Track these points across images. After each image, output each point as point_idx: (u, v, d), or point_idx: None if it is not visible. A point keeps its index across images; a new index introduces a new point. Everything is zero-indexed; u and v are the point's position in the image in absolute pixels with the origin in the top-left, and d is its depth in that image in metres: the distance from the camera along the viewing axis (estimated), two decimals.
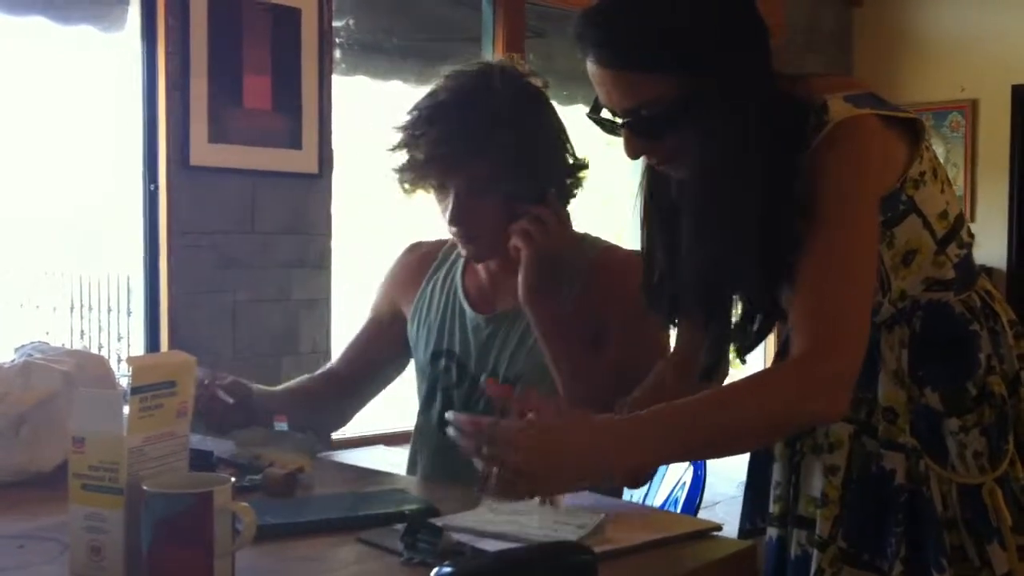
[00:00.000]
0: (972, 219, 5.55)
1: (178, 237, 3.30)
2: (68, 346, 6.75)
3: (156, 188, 3.29)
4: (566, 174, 1.58)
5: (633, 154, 1.24)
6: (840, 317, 1.15)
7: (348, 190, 3.79)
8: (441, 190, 1.54)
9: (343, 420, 1.83)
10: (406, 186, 1.56)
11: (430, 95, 1.54)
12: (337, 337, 3.64)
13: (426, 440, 1.69)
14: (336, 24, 3.67)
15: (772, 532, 1.35)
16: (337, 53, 3.67)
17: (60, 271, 9.13)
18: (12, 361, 1.47)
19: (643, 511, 1.50)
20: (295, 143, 3.46)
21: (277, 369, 3.48)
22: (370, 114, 4.26)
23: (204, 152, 3.29)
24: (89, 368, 1.40)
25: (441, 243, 1.78)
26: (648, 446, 1.13)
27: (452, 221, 1.53)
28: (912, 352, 1.25)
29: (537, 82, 1.59)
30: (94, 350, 6.46)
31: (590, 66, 1.21)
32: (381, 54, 3.83)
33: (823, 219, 1.17)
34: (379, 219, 5.66)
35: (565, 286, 1.54)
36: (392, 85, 3.94)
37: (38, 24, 3.22)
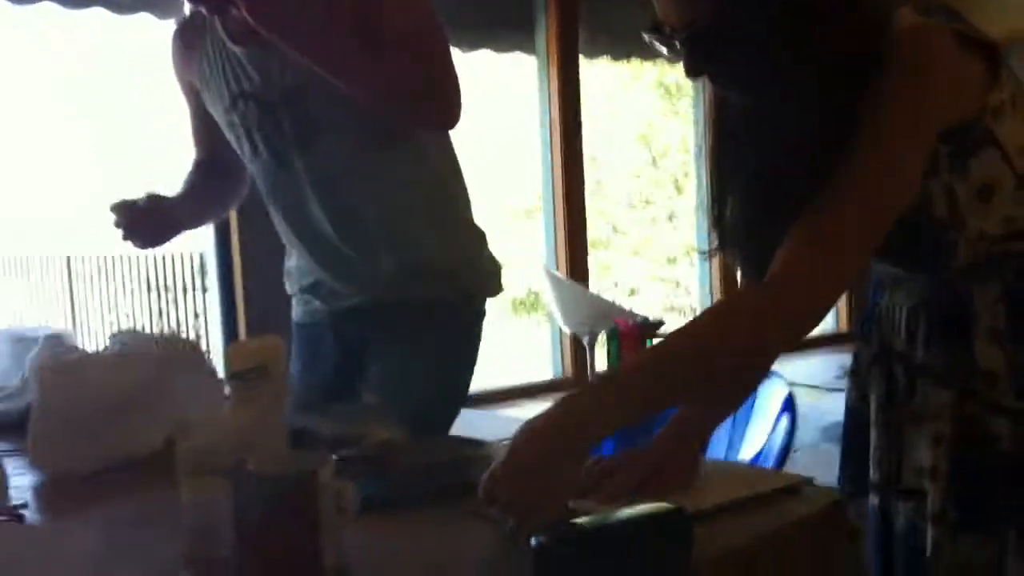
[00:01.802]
0: None
1: (247, 211, 3.35)
2: (149, 327, 6.92)
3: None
4: None
5: (691, 72, 1.17)
6: (828, 251, 1.07)
7: None
8: None
9: (242, 192, 1.97)
10: None
11: None
12: None
13: (275, 183, 1.77)
14: None
15: (874, 499, 1.32)
16: None
17: (132, 251, 9.36)
18: (107, 348, 1.53)
19: (733, 468, 1.51)
20: None
21: None
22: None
23: None
24: (182, 353, 1.44)
25: (198, 15, 1.80)
26: (608, 416, 1.04)
27: None
28: (1009, 308, 1.19)
29: None
30: (171, 329, 6.63)
31: None
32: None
33: (863, 136, 1.08)
34: None
35: None
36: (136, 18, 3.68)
37: (97, 15, 3.27)
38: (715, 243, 1.28)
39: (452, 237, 1.84)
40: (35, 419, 1.35)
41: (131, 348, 1.45)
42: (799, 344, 1.19)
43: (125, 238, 1.73)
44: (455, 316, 1.84)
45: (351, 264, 1.78)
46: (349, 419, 1.46)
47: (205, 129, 1.86)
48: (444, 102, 1.64)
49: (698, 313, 1.17)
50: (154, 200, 1.73)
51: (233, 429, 1.03)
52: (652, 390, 1.06)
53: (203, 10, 1.70)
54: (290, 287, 1.97)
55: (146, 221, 1.72)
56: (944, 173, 1.15)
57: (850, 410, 1.40)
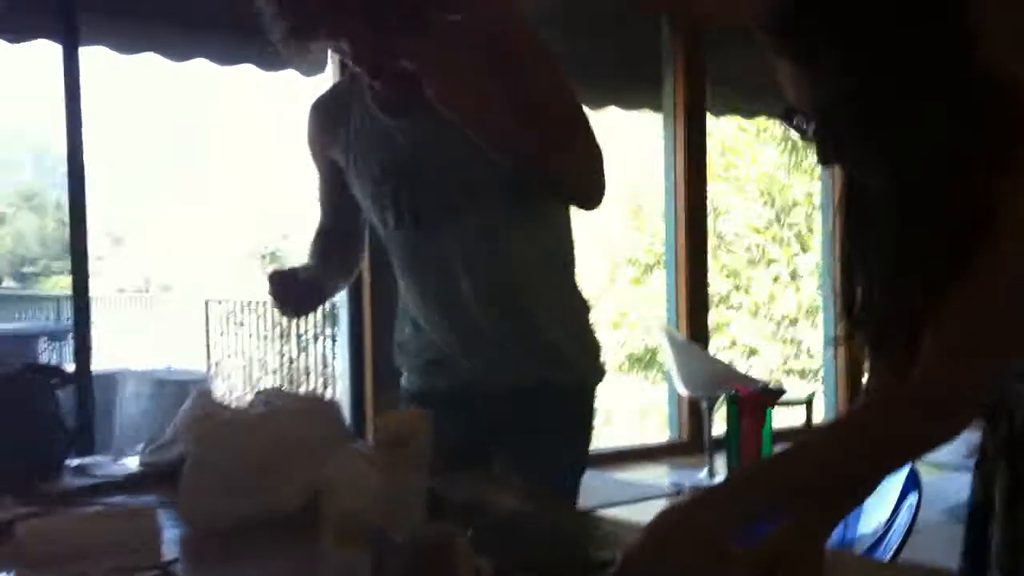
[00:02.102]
0: None
1: (380, 264, 3.47)
2: (280, 372, 7.10)
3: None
4: None
5: (822, 161, 1.16)
6: (975, 352, 1.07)
7: None
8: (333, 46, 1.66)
9: (360, 262, 2.05)
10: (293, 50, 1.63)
11: None
12: None
13: (405, 255, 1.81)
14: None
15: None
16: None
17: (265, 297, 9.66)
18: (253, 404, 1.61)
19: (864, 564, 1.48)
20: None
21: None
22: None
23: None
24: (323, 414, 1.51)
25: (338, 91, 1.89)
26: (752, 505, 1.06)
27: (356, 61, 1.63)
28: None
29: None
30: (303, 377, 6.84)
31: (780, 62, 1.13)
32: None
33: (1006, 221, 1.05)
34: None
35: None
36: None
37: (248, 71, 3.47)
38: (843, 331, 1.27)
39: (578, 319, 1.87)
40: (187, 475, 1.44)
41: (275, 407, 1.53)
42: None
43: (278, 305, 1.80)
44: (578, 400, 1.86)
45: (488, 340, 1.79)
46: (478, 486, 1.50)
47: (335, 198, 1.91)
48: (601, 179, 1.70)
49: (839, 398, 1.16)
50: (304, 270, 1.82)
51: (376, 496, 1.09)
52: (808, 479, 1.08)
53: (363, 75, 1.69)
54: (405, 360, 1.96)
55: (298, 290, 1.77)
56: None
57: (974, 502, 1.35)
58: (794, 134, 1.18)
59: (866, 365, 1.34)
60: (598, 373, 1.89)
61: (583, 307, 1.88)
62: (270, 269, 1.81)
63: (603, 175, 1.70)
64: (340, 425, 1.53)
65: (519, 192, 1.70)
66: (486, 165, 1.65)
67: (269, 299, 1.81)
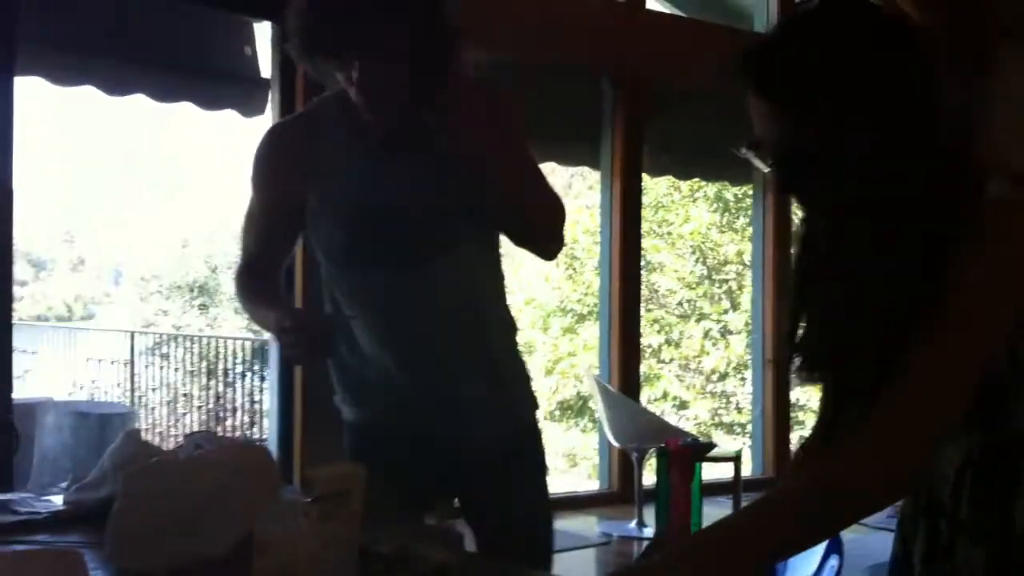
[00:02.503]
0: None
1: (314, 300, 3.45)
2: (205, 407, 6.95)
3: (292, 262, 3.46)
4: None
5: (777, 190, 1.22)
6: (916, 433, 1.11)
7: None
8: (344, 66, 1.60)
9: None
10: (303, 58, 1.64)
11: None
12: None
13: (374, 290, 1.77)
14: None
15: None
16: None
17: (195, 331, 9.49)
18: (183, 448, 1.60)
19: None
20: None
21: None
22: None
23: None
24: (255, 462, 1.50)
25: (303, 118, 1.89)
26: None
27: (361, 90, 1.60)
28: None
29: None
30: (229, 414, 6.73)
31: (750, 97, 1.17)
32: None
33: (950, 304, 1.10)
34: None
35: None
36: None
37: (186, 109, 3.46)
38: (783, 355, 1.31)
39: (520, 360, 1.92)
40: (115, 518, 1.41)
41: (206, 451, 1.51)
42: None
43: (291, 350, 1.70)
44: (533, 439, 1.90)
45: (449, 376, 1.79)
46: (408, 538, 1.50)
47: (273, 230, 1.84)
48: (563, 232, 1.80)
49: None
50: (314, 312, 1.78)
51: (309, 550, 1.08)
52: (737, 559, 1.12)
53: (362, 106, 1.65)
54: (349, 391, 1.91)
55: (311, 332, 1.68)
56: None
57: (895, 559, 1.39)
58: (760, 165, 1.22)
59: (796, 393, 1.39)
60: (535, 408, 1.92)
61: (515, 340, 1.92)
62: (275, 317, 1.70)
63: (559, 241, 1.80)
64: (272, 473, 1.52)
65: (488, 237, 1.79)
66: (464, 211, 1.70)
67: (286, 346, 1.70)
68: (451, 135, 1.63)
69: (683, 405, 8.41)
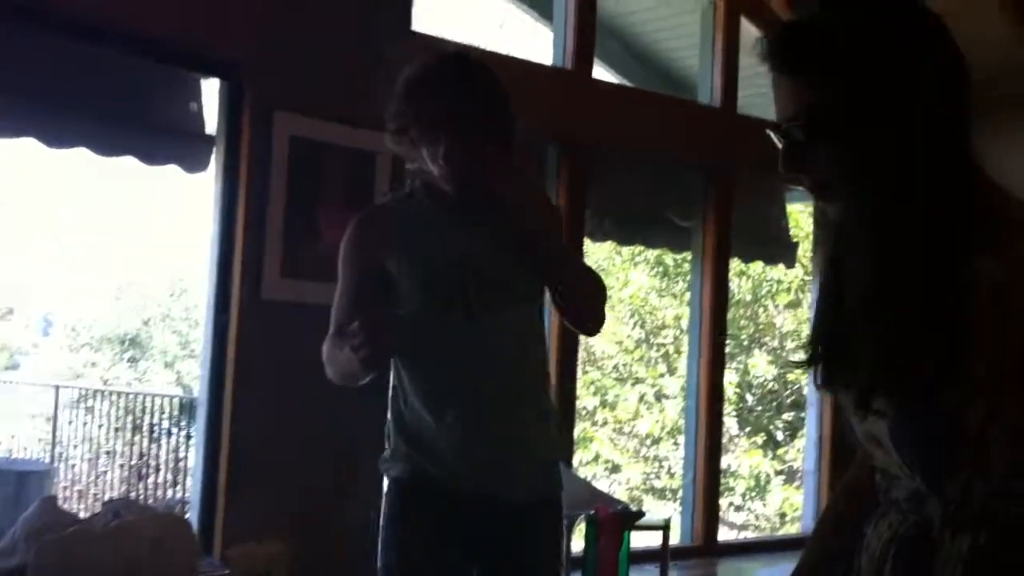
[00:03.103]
0: None
1: (244, 366, 3.39)
2: (128, 465, 6.72)
3: (227, 320, 3.40)
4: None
5: (782, 166, 1.19)
6: None
7: None
8: (435, 142, 1.92)
9: None
10: (397, 141, 1.99)
11: (420, 71, 1.97)
12: None
13: (443, 336, 1.98)
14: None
15: None
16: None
17: (122, 385, 9.24)
18: (100, 515, 1.54)
19: None
20: None
21: (336, 498, 3.51)
22: None
23: (276, 286, 3.41)
24: (173, 532, 1.45)
25: (381, 206, 2.22)
26: None
27: (447, 160, 1.91)
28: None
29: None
30: (153, 471, 6.53)
31: (776, 79, 1.18)
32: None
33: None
34: None
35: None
36: None
37: (128, 163, 3.40)
38: (811, 356, 1.26)
39: (560, 430, 2.20)
40: None
41: (124, 521, 1.46)
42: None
43: (361, 350, 1.79)
44: (558, 511, 2.06)
45: (506, 435, 1.97)
46: None
47: (365, 300, 2.01)
48: (600, 322, 2.08)
49: None
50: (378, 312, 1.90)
51: None
52: None
53: (444, 175, 1.94)
54: (404, 448, 2.02)
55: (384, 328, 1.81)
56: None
57: None
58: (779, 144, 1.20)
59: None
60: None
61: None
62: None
63: (600, 322, 2.07)
64: (191, 546, 1.47)
65: (540, 299, 2.07)
66: (523, 275, 1.99)
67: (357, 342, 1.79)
68: (515, 201, 1.96)
69: (615, 468, 8.39)
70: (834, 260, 1.25)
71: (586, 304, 2.03)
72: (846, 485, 1.41)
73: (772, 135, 1.19)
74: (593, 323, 2.07)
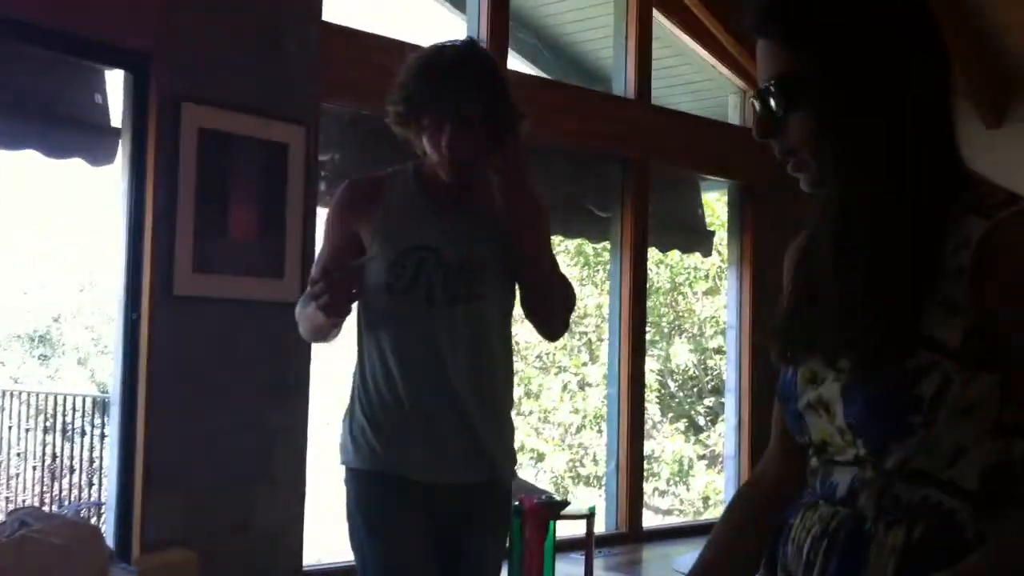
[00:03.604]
0: None
1: (157, 364, 3.32)
2: (41, 467, 6.54)
3: (138, 317, 3.33)
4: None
5: (756, 131, 1.19)
6: None
7: None
8: (439, 130, 1.99)
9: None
10: (401, 122, 2.04)
11: (431, 58, 2.02)
12: (312, 465, 3.64)
13: (402, 318, 2.04)
14: (322, 158, 3.77)
15: None
16: (322, 186, 3.76)
17: (34, 384, 8.96)
18: (4, 524, 1.49)
19: None
20: (278, 272, 3.52)
21: (253, 498, 3.47)
22: None
23: (188, 281, 3.34)
24: (83, 541, 1.41)
25: (376, 177, 2.17)
26: None
27: (450, 149, 1.98)
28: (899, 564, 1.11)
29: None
30: (66, 473, 6.36)
31: (758, 43, 1.18)
32: None
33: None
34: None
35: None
36: None
37: (31, 157, 3.29)
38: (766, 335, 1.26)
39: (511, 416, 2.19)
40: None
41: (32, 530, 1.42)
42: None
43: (320, 299, 1.89)
44: (508, 497, 2.16)
45: (457, 417, 2.04)
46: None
47: (339, 261, 2.06)
48: (566, 322, 2.16)
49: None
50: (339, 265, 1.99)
51: None
52: None
53: (442, 161, 2.02)
54: (360, 441, 2.08)
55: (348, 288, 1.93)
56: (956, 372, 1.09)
57: None
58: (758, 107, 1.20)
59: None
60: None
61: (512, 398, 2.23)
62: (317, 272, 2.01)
63: (564, 329, 2.17)
64: (101, 553, 1.44)
65: (511, 296, 2.11)
66: (495, 272, 2.05)
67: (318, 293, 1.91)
68: (507, 196, 2.00)
69: (540, 457, 8.44)
70: (811, 235, 1.24)
71: (549, 309, 2.07)
72: (751, 484, 1.39)
73: (753, 101, 1.19)
74: (554, 329, 2.11)
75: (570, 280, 2.15)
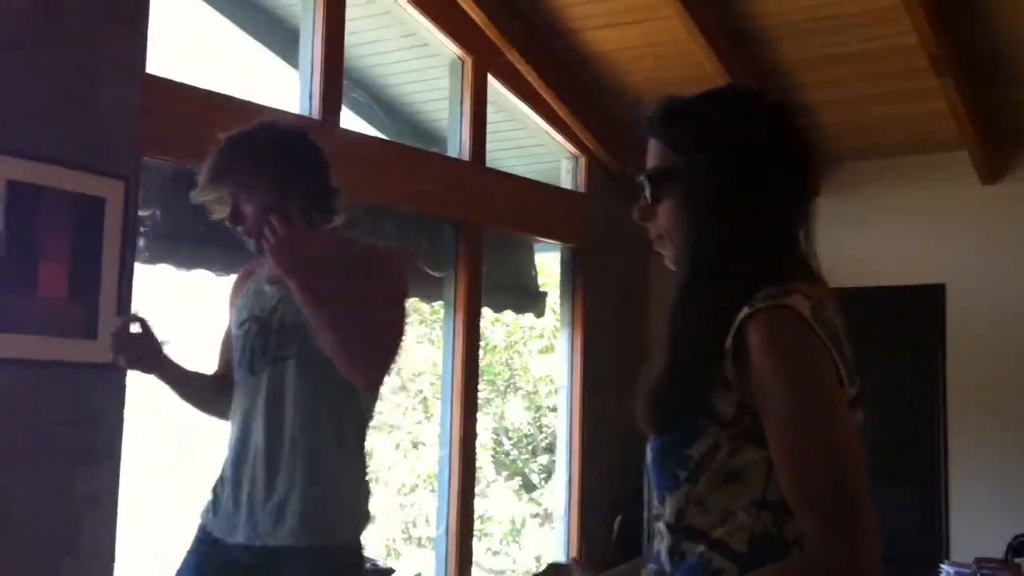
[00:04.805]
0: None
1: None
2: None
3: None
4: (312, 197, 2.16)
5: (635, 215, 1.39)
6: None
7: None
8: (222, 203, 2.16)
9: (223, 409, 2.27)
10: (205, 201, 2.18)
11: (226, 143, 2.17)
12: (122, 537, 3.45)
13: (244, 391, 2.18)
14: (142, 214, 3.63)
15: None
16: (141, 242, 3.62)
17: None
18: None
19: None
20: (90, 333, 3.35)
21: (57, 571, 3.25)
22: (174, 303, 4.15)
23: None
24: None
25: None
26: None
27: (231, 222, 2.15)
28: None
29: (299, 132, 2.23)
30: None
31: (650, 140, 1.40)
32: (185, 242, 3.80)
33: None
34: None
35: (326, 266, 2.10)
36: (196, 274, 3.91)
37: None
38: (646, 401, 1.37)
39: (352, 487, 2.16)
40: None
41: None
42: None
43: (117, 352, 2.13)
44: (350, 562, 2.14)
45: (264, 488, 2.10)
46: None
47: (225, 348, 2.32)
48: (372, 375, 2.12)
49: None
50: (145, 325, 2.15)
51: None
52: None
53: (250, 243, 2.15)
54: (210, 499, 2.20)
55: (137, 341, 2.13)
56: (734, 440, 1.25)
57: None
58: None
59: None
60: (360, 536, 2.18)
61: (363, 481, 2.19)
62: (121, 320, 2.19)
63: (374, 379, 2.13)
64: None
65: (326, 365, 2.09)
66: (296, 332, 2.12)
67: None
68: (290, 274, 2.05)
69: (370, 519, 8.28)
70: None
71: (336, 353, 2.06)
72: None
73: (642, 182, 1.39)
74: (353, 372, 2.08)
75: (375, 341, 2.11)
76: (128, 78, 3.54)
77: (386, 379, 2.17)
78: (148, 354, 2.15)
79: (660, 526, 1.31)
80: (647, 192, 1.36)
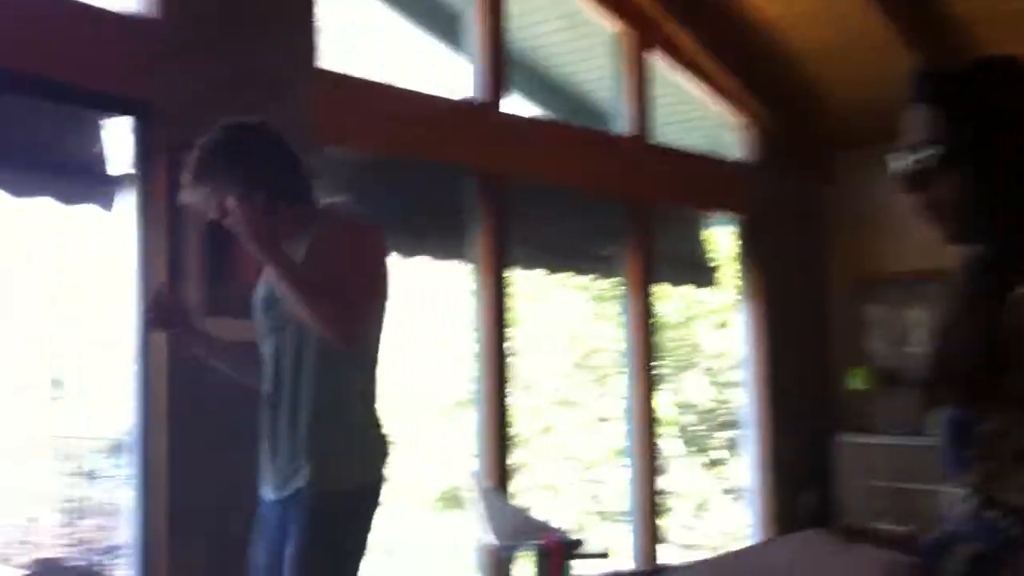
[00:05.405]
0: None
1: (175, 408, 3.35)
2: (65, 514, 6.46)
3: (151, 360, 3.38)
4: (275, 183, 2.29)
5: (907, 187, 1.37)
6: None
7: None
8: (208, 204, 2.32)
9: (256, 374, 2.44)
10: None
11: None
12: None
13: (264, 358, 2.39)
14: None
15: None
16: None
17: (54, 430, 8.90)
18: None
19: None
20: None
21: None
22: None
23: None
24: None
25: None
26: None
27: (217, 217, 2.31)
28: None
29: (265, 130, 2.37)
30: (88, 516, 6.35)
31: (915, 107, 1.36)
32: None
33: None
34: None
35: (293, 242, 2.28)
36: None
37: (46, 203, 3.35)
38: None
39: (356, 436, 2.33)
40: None
41: None
42: None
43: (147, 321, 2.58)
44: (352, 506, 2.30)
45: (282, 443, 2.31)
46: None
47: None
48: (343, 330, 2.22)
49: None
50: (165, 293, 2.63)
51: None
52: None
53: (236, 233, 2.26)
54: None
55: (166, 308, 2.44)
56: None
57: None
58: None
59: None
60: (377, 480, 2.33)
61: (374, 429, 2.35)
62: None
63: (346, 335, 2.21)
64: None
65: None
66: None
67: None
68: (255, 252, 2.21)
69: (556, 493, 8.39)
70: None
71: (308, 318, 2.20)
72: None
73: (896, 158, 1.36)
74: (326, 332, 2.20)
75: (334, 308, 2.21)
76: (304, 73, 3.74)
77: (359, 334, 2.27)
78: (176, 321, 2.44)
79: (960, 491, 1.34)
80: (923, 163, 1.33)
